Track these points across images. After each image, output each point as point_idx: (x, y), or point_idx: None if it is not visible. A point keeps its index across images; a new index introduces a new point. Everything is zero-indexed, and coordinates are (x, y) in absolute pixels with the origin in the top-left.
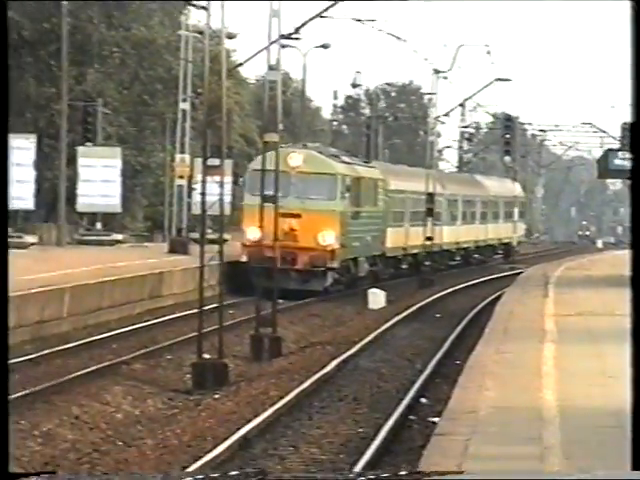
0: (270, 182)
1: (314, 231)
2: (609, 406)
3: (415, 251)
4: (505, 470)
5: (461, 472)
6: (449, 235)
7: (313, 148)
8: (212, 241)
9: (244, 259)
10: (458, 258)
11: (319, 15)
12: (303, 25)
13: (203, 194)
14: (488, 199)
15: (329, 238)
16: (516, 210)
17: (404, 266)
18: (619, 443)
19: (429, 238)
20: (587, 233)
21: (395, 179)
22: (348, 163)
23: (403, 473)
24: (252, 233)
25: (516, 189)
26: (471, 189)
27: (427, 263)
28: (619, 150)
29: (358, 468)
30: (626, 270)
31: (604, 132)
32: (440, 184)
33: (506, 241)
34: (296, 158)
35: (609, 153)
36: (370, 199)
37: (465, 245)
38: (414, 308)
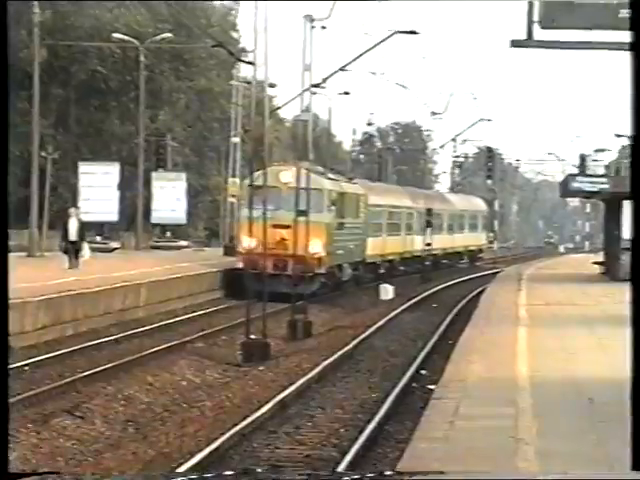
0: (263, 197)
1: (303, 240)
2: (570, 376)
3: (391, 257)
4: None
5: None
6: (420, 243)
7: (302, 166)
8: None
9: (240, 265)
10: (428, 263)
11: (341, 69)
12: (329, 77)
13: (250, 209)
14: (454, 213)
15: (316, 247)
16: (479, 223)
17: (382, 271)
18: (578, 405)
19: (428, 244)
20: (552, 240)
21: (374, 195)
22: (334, 180)
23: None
24: (246, 242)
25: (480, 204)
26: (439, 204)
27: (401, 268)
28: (577, 175)
29: (370, 427)
30: (582, 269)
31: (564, 160)
32: (412, 200)
33: (471, 248)
34: (286, 175)
35: (569, 177)
36: (353, 212)
37: (434, 252)
38: (416, 299)
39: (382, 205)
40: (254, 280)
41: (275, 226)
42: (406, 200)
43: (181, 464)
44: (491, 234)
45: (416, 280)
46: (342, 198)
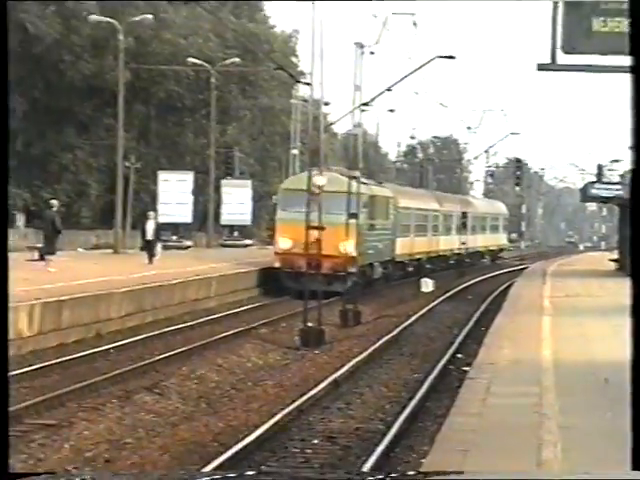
0: (298, 200)
1: (336, 241)
2: (588, 359)
3: (418, 257)
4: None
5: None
6: (444, 244)
7: (336, 171)
8: None
9: (277, 265)
10: (452, 262)
11: (387, 89)
12: (376, 96)
13: (307, 212)
14: (477, 215)
15: (349, 247)
16: (500, 224)
17: (410, 269)
18: (595, 384)
19: (463, 243)
20: (572, 240)
21: (403, 198)
22: (364, 184)
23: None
24: (284, 243)
25: (502, 208)
26: (463, 207)
27: (428, 266)
28: (595, 182)
29: (412, 403)
30: (599, 265)
31: (584, 170)
32: (438, 203)
33: (492, 248)
34: (321, 179)
35: (588, 185)
36: (383, 214)
37: (458, 251)
38: (452, 292)
39: (410, 208)
40: (289, 279)
41: (310, 227)
42: (433, 203)
43: (247, 435)
44: (514, 235)
45: (452, 275)
46: (372, 201)
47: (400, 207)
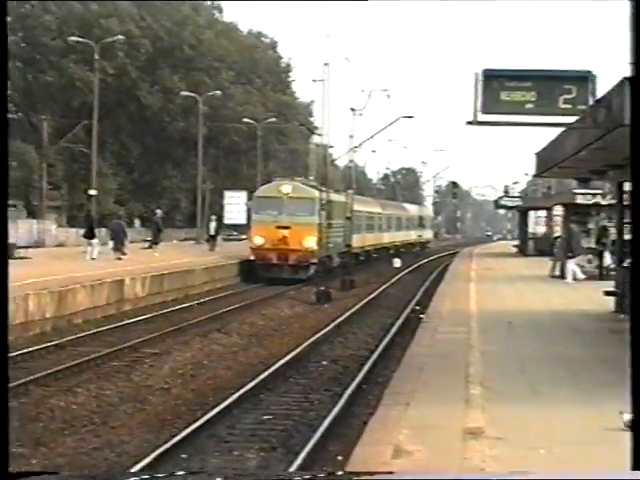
0: (269, 204)
1: (300, 238)
2: (498, 309)
3: (368, 248)
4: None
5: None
6: (386, 238)
7: (299, 181)
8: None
9: (252, 258)
10: (392, 251)
11: (370, 137)
12: (363, 142)
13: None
14: (410, 217)
15: (310, 242)
16: (427, 223)
17: (362, 258)
18: (502, 325)
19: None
20: (489, 233)
21: (357, 203)
22: (323, 191)
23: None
24: (257, 240)
25: (429, 212)
26: (399, 211)
27: (374, 255)
28: (502, 197)
29: (386, 339)
30: (505, 250)
31: (496, 188)
32: (382, 208)
33: (421, 241)
34: (286, 187)
35: (498, 198)
36: (339, 215)
37: (397, 244)
38: (414, 267)
39: (361, 211)
40: (263, 269)
41: (278, 227)
42: (378, 208)
43: (281, 359)
44: (440, 230)
45: (410, 258)
46: (330, 204)
47: (355, 210)
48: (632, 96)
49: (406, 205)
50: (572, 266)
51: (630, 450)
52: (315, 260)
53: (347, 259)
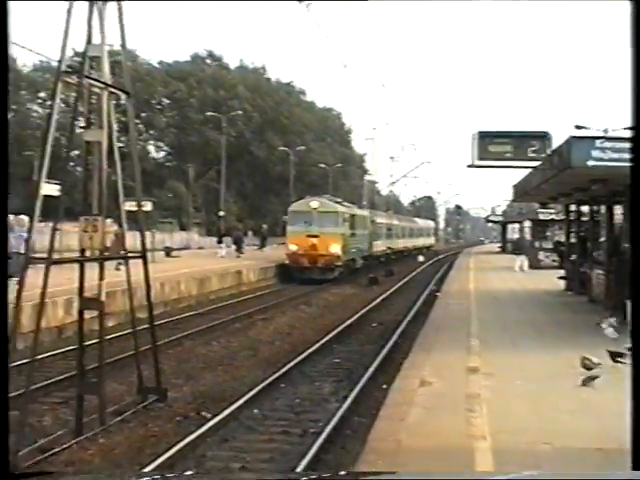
0: (301, 217)
1: (327, 245)
2: (488, 289)
3: (387, 252)
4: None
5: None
6: (402, 244)
7: (326, 198)
8: None
9: (287, 262)
10: (405, 254)
11: (404, 176)
12: (398, 180)
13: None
14: (418, 228)
15: (335, 249)
16: (431, 233)
17: (382, 259)
18: (491, 299)
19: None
20: (482, 239)
21: (378, 217)
22: (347, 206)
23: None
24: (292, 247)
25: (432, 224)
26: (410, 223)
27: (392, 257)
28: (490, 215)
29: (413, 309)
30: (493, 250)
31: (485, 210)
32: (397, 220)
33: (426, 245)
34: (315, 203)
35: (488, 216)
36: (362, 226)
37: (409, 248)
38: (432, 261)
39: (382, 223)
40: (296, 271)
41: (309, 236)
42: (395, 221)
43: (345, 322)
44: (449, 237)
45: (431, 254)
46: (353, 217)
47: (376, 223)
48: (632, 97)
49: (417, 219)
50: (519, 261)
51: (630, 450)
52: (340, 263)
53: (370, 261)
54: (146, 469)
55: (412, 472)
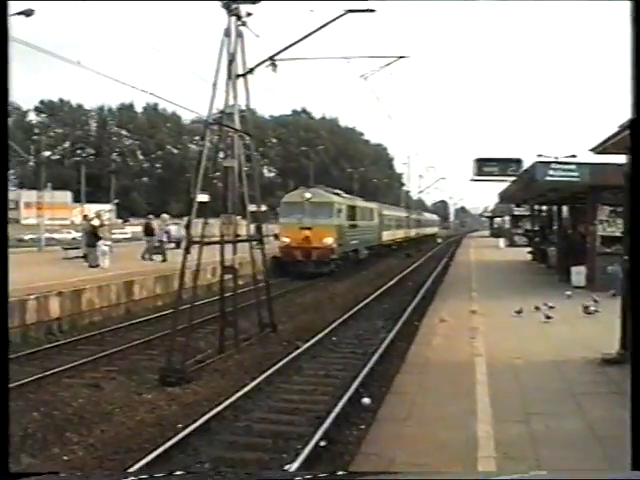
0: (293, 209)
1: (320, 237)
2: (485, 260)
3: (398, 241)
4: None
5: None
6: (411, 233)
7: (320, 188)
8: None
9: (279, 255)
10: (415, 241)
11: (420, 192)
12: (423, 190)
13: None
14: (426, 219)
15: (329, 241)
16: (436, 224)
17: (394, 247)
18: (487, 268)
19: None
20: (477, 228)
21: (385, 210)
22: (346, 197)
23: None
24: (285, 239)
25: (436, 218)
26: (418, 216)
27: (404, 244)
28: (483, 212)
29: (414, 302)
30: (485, 235)
31: (480, 209)
32: (407, 213)
33: (432, 234)
34: (308, 194)
35: (481, 213)
36: (367, 217)
37: (417, 236)
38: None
39: (390, 215)
40: (290, 265)
41: (302, 228)
42: (404, 213)
43: (363, 300)
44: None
45: (432, 244)
46: (353, 209)
47: (384, 214)
48: (632, 95)
49: (424, 213)
50: (502, 242)
51: (630, 450)
52: (335, 256)
53: (379, 249)
54: (264, 374)
55: (412, 472)
